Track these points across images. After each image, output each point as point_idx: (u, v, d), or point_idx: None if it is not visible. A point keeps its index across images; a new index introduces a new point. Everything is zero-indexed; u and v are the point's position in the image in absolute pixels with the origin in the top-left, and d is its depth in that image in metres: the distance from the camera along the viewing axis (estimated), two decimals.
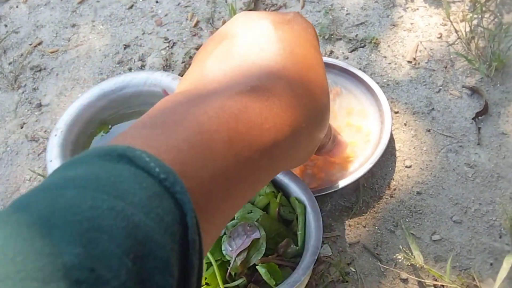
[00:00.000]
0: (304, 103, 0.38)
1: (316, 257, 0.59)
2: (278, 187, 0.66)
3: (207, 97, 0.33)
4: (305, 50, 0.41)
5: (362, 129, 0.79)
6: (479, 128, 0.80)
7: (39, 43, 1.02)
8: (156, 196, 0.24)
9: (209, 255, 0.63)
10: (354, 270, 0.69)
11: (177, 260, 0.24)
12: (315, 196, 0.71)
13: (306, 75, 0.39)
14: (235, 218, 0.64)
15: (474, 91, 0.84)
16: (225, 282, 0.63)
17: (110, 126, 0.83)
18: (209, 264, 0.64)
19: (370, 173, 0.75)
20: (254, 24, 0.41)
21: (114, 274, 0.20)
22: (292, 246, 0.64)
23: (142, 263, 0.21)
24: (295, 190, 0.64)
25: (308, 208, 0.63)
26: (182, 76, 0.92)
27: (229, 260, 0.62)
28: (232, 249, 0.62)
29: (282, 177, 0.65)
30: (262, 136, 0.33)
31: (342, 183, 0.72)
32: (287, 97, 0.36)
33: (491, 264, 0.68)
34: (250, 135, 0.33)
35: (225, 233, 0.64)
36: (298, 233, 0.64)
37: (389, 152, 0.79)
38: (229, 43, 0.39)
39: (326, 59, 0.87)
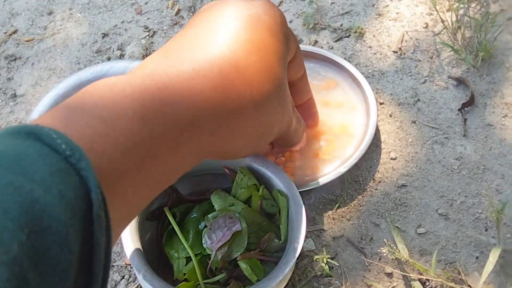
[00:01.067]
0: (235, 87, 0.39)
1: (299, 252, 0.57)
2: (261, 180, 0.64)
3: (132, 76, 0.35)
4: (254, 33, 0.42)
5: (346, 124, 0.77)
6: (465, 120, 0.79)
7: (14, 32, 0.98)
8: (60, 172, 0.24)
9: (188, 249, 0.60)
10: (337, 264, 0.67)
11: (80, 235, 0.24)
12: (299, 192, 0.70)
13: (244, 58, 0.40)
14: (216, 210, 0.62)
15: (460, 81, 0.83)
16: (205, 277, 0.61)
17: None
18: (189, 259, 0.62)
19: (355, 166, 0.73)
20: (214, 8, 0.44)
21: (4, 248, 0.20)
22: (275, 240, 0.62)
23: (38, 237, 0.22)
24: (278, 183, 0.62)
25: (291, 201, 0.61)
26: None
27: (209, 254, 0.60)
28: (212, 242, 0.60)
29: (264, 170, 0.63)
30: (178, 114, 0.34)
31: (326, 178, 0.70)
32: (215, 78, 0.37)
33: (477, 258, 0.67)
34: (166, 112, 0.33)
35: (205, 226, 0.62)
36: (281, 227, 0.62)
37: (374, 144, 0.77)
38: (187, 26, 0.43)
39: (310, 48, 0.85)
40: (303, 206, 0.60)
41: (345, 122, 0.77)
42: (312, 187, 0.70)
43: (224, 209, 0.62)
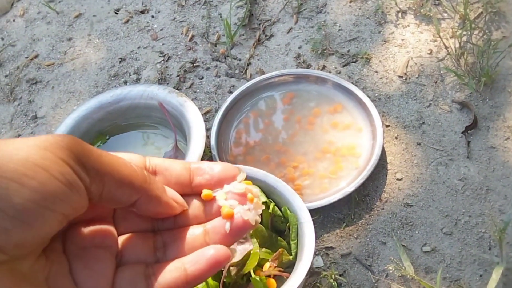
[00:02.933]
0: None
1: (308, 267, 0.60)
2: (271, 197, 0.67)
3: None
4: None
5: (353, 145, 0.81)
6: (469, 142, 0.81)
7: (35, 56, 1.03)
8: None
9: None
10: (345, 281, 0.70)
11: None
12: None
13: None
14: None
15: (463, 105, 0.86)
16: None
17: (107, 137, 0.84)
18: None
19: (362, 186, 0.76)
20: None
21: None
22: (286, 256, 0.65)
23: None
24: (288, 200, 0.65)
25: (301, 218, 0.64)
26: (177, 89, 0.93)
27: (222, 270, 0.62)
28: None
29: (274, 187, 0.66)
30: None
31: (334, 198, 0.73)
32: None
33: (481, 276, 0.69)
34: None
35: None
36: (291, 243, 0.65)
37: (381, 165, 0.80)
38: None
39: (319, 72, 0.89)
40: (312, 222, 0.63)
41: (352, 144, 0.81)
42: (321, 205, 0.73)
43: None
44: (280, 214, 0.66)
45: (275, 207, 0.66)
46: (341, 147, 0.80)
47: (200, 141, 0.74)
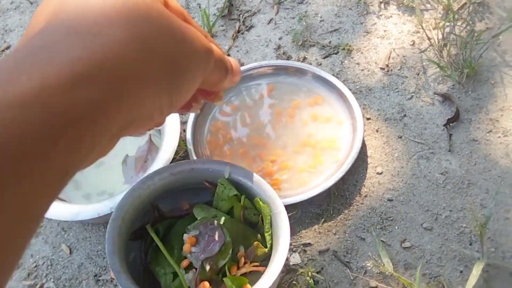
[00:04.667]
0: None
1: (285, 258, 0.58)
2: (241, 190, 0.65)
3: None
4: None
5: (333, 138, 0.79)
6: (450, 135, 0.80)
7: (7, 47, 1.00)
8: None
9: (174, 264, 0.61)
10: (323, 278, 0.68)
11: None
12: (285, 206, 0.70)
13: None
14: (197, 219, 0.63)
15: (445, 98, 0.84)
16: None
17: None
18: (176, 274, 0.62)
19: (342, 180, 0.74)
20: None
21: None
22: (261, 249, 0.63)
23: None
24: (259, 191, 0.63)
25: (273, 209, 0.62)
26: None
27: (190, 266, 0.60)
28: (196, 252, 0.61)
29: (244, 180, 0.64)
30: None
31: (313, 192, 0.71)
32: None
33: (461, 272, 0.67)
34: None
35: (184, 232, 0.62)
36: (265, 234, 0.63)
37: (361, 158, 0.78)
38: None
39: (299, 64, 0.87)
40: (285, 212, 0.61)
41: (332, 137, 0.78)
42: (299, 200, 0.71)
43: (205, 218, 0.62)
44: (252, 206, 0.64)
45: (246, 199, 0.64)
46: (321, 140, 0.78)
47: (174, 135, 0.72)
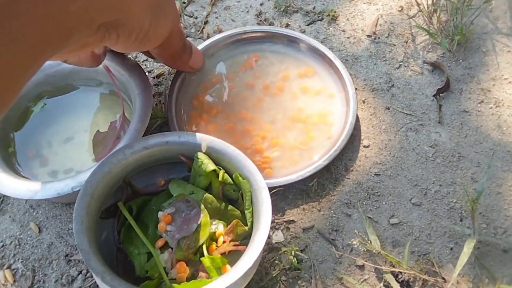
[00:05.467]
0: None
1: (265, 239, 0.54)
2: (220, 164, 0.61)
3: None
4: None
5: (325, 112, 0.74)
6: (440, 106, 0.76)
7: None
8: None
9: (148, 244, 0.57)
10: (307, 257, 0.64)
11: None
12: (277, 186, 0.67)
13: None
14: (173, 196, 0.59)
15: (435, 66, 0.80)
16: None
17: (44, 103, 0.75)
18: (150, 254, 0.58)
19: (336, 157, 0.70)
20: None
21: None
22: (241, 227, 0.59)
23: None
24: (238, 166, 0.59)
25: (254, 185, 0.58)
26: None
27: (166, 246, 0.56)
28: (172, 230, 0.57)
29: (223, 154, 0.60)
30: None
31: (306, 172, 0.67)
32: None
33: (451, 249, 0.64)
34: None
35: (159, 209, 0.58)
36: (245, 212, 0.59)
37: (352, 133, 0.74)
38: None
39: (286, 31, 0.81)
40: (267, 188, 0.57)
41: (324, 111, 0.74)
42: (292, 181, 0.67)
43: (181, 195, 0.58)
44: (231, 182, 0.60)
45: (225, 174, 0.60)
46: (312, 115, 0.73)
47: (147, 105, 0.67)
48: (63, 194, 0.60)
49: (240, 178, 0.59)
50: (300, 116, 0.73)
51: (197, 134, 0.62)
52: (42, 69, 0.74)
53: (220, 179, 0.60)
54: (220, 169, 0.60)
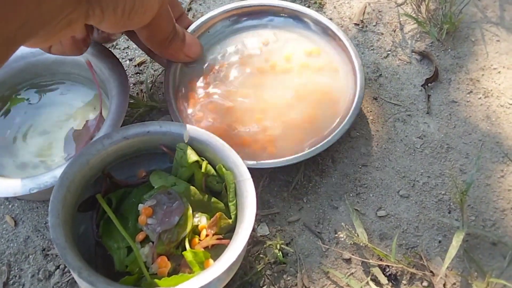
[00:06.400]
0: None
1: (249, 232, 0.52)
2: (203, 155, 0.59)
3: None
4: None
5: (329, 88, 0.70)
6: (429, 96, 0.74)
7: None
8: None
9: (127, 238, 0.55)
10: (292, 250, 0.62)
11: None
12: (280, 167, 0.63)
13: None
14: (154, 188, 0.57)
15: (424, 56, 0.78)
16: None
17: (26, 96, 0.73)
18: (130, 249, 0.56)
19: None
20: None
21: None
22: (225, 220, 0.57)
23: None
24: (222, 156, 0.57)
25: (238, 176, 0.56)
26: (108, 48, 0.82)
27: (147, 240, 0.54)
28: (153, 223, 0.55)
29: (206, 143, 0.58)
30: None
31: (315, 151, 0.63)
32: None
33: (440, 242, 0.63)
34: None
35: (139, 201, 0.56)
36: (229, 204, 0.57)
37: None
38: None
39: (287, 4, 0.76)
40: (251, 179, 0.55)
41: (328, 86, 0.70)
42: (301, 160, 0.63)
43: (162, 187, 0.56)
44: (215, 173, 0.58)
45: (208, 165, 0.58)
46: (315, 91, 0.69)
47: (124, 95, 0.64)
48: (20, 195, 0.58)
49: (223, 169, 0.57)
50: (303, 93, 0.69)
51: (179, 124, 0.60)
52: (24, 56, 0.71)
53: (203, 170, 0.58)
54: (203, 160, 0.58)
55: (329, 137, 0.65)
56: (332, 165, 0.69)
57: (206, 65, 0.72)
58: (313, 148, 0.64)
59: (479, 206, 0.65)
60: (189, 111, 0.68)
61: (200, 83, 0.71)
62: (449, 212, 0.65)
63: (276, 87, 0.70)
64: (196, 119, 0.67)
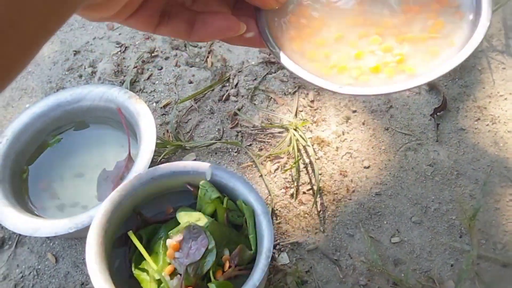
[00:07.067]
0: None
1: (269, 259, 0.57)
2: (224, 191, 0.64)
3: None
4: None
5: None
6: (438, 125, 0.78)
7: None
8: None
9: (156, 271, 0.59)
10: (312, 278, 0.66)
11: None
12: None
13: None
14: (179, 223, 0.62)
15: (432, 86, 0.82)
16: None
17: (61, 137, 0.79)
18: (161, 281, 0.61)
19: (328, 175, 0.72)
20: None
21: None
22: (246, 251, 0.62)
23: None
24: (242, 192, 0.62)
25: (257, 210, 0.60)
26: (134, 81, 0.88)
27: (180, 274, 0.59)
28: (180, 257, 0.59)
29: (226, 181, 0.63)
30: None
31: (457, 60, 0.49)
32: None
33: (452, 265, 0.66)
34: None
35: (167, 237, 0.61)
36: (249, 236, 0.61)
37: (348, 153, 0.76)
38: None
39: None
40: (269, 213, 0.60)
41: None
42: (442, 73, 0.48)
43: (188, 222, 0.61)
44: (236, 208, 0.63)
45: (229, 201, 0.63)
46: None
47: (151, 140, 0.70)
48: (59, 234, 0.64)
49: (243, 204, 0.62)
50: (414, 5, 0.57)
51: (202, 163, 0.65)
52: (61, 105, 0.78)
53: (224, 205, 0.62)
54: (224, 196, 0.63)
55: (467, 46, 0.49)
56: (347, 195, 0.73)
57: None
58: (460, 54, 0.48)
59: (489, 230, 0.68)
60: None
61: (297, 18, 0.51)
62: (460, 237, 0.68)
63: (384, 3, 0.51)
64: None
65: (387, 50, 0.49)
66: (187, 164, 0.65)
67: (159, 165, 0.64)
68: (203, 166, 0.64)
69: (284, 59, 0.46)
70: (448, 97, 0.80)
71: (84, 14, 0.30)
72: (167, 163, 0.64)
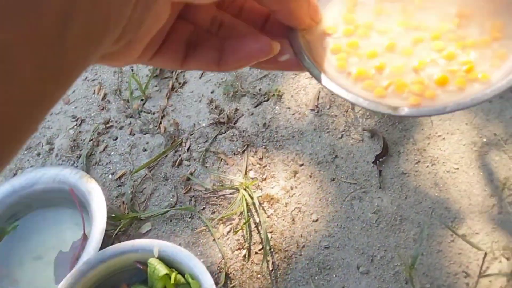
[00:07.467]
0: None
1: None
2: (173, 265, 0.66)
3: None
4: None
5: None
6: (380, 171, 0.81)
7: None
8: None
9: None
10: None
11: None
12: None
13: None
14: None
15: (373, 133, 0.86)
16: None
17: (17, 223, 0.82)
18: None
19: (278, 233, 0.75)
20: None
21: None
22: None
23: None
24: (188, 267, 0.65)
25: (203, 284, 0.63)
26: (90, 155, 0.91)
27: None
28: None
29: (173, 256, 0.66)
30: None
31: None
32: None
33: None
34: None
35: None
36: None
37: (297, 208, 0.79)
38: None
39: None
40: (214, 285, 0.62)
41: None
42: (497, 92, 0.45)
43: None
44: (184, 281, 0.66)
45: (178, 275, 0.66)
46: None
47: (98, 236, 0.73)
48: None
49: (189, 279, 0.64)
50: (466, 7, 0.53)
51: (149, 240, 0.68)
52: (16, 191, 0.81)
53: (172, 281, 0.65)
54: (173, 271, 0.66)
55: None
56: (298, 251, 0.76)
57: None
58: None
59: (433, 273, 0.71)
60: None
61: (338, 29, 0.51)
62: (406, 283, 0.71)
63: (433, 9, 0.48)
64: None
65: (451, 58, 0.45)
66: (135, 243, 0.67)
67: (108, 247, 0.67)
68: (151, 243, 0.67)
69: (327, 82, 0.42)
70: (389, 141, 0.84)
71: (103, 63, 0.27)
72: (116, 245, 0.67)
